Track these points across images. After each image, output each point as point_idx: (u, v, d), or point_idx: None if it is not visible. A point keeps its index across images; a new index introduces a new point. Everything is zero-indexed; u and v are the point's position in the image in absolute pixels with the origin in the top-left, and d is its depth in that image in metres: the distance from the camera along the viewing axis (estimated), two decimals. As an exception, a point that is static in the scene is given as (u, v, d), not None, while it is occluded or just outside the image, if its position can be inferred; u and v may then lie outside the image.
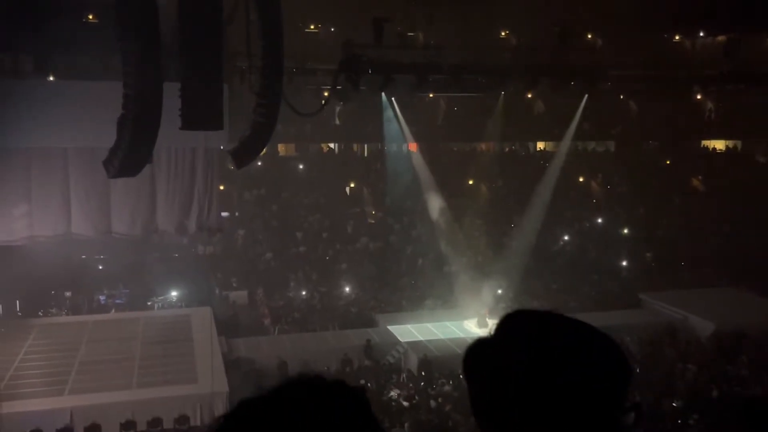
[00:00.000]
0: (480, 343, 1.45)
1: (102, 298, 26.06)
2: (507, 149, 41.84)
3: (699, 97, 37.98)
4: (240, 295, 27.82)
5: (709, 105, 40.62)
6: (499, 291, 26.91)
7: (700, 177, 39.98)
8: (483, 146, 40.01)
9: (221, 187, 28.56)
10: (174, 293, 26.09)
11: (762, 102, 35.46)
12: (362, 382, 20.59)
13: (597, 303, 27.08)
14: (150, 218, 22.32)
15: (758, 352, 22.05)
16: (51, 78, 21.26)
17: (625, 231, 34.78)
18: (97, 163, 14.46)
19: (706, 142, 43.77)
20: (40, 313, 24.61)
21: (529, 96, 37.24)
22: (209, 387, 17.56)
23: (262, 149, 17.24)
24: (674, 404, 18.37)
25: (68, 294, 25.67)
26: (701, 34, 38.00)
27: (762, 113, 37.12)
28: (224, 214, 29.87)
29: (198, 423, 17.33)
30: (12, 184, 19.98)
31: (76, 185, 21.60)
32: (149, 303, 25.82)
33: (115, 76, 12.86)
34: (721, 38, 36.27)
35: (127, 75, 11.97)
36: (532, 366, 1.32)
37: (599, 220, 36.14)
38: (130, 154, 12.61)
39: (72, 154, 21.41)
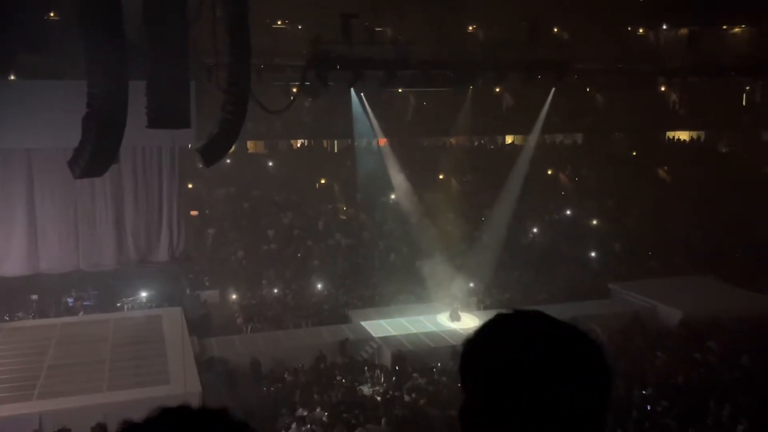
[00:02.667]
0: (474, 346, 1.45)
1: (70, 300, 25.59)
2: (476, 143, 42.09)
3: (663, 89, 38.57)
4: (211, 295, 27.57)
5: (674, 97, 41.28)
6: (471, 284, 27.08)
7: (666, 168, 40.63)
8: (453, 140, 40.19)
9: (190, 186, 28.32)
10: (144, 294, 25.75)
11: (724, 93, 36.17)
12: (338, 377, 20.62)
13: (568, 294, 27.38)
14: (119, 249, 22.19)
15: (726, 338, 22.49)
16: (12, 77, 20.86)
17: (594, 222, 35.21)
18: (61, 164, 14.18)
19: (670, 134, 44.49)
20: (5, 317, 24.12)
21: (498, 90, 37.54)
22: (182, 388, 17.38)
23: (231, 147, 17.09)
24: (644, 392, 18.66)
25: (34, 297, 25.16)
26: (664, 27, 38.59)
27: (724, 105, 37.89)
28: (193, 213, 29.59)
29: (171, 424, 17.13)
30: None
31: (41, 189, 21.31)
32: (119, 304, 25.45)
33: (79, 74, 12.63)
34: (683, 31, 36.86)
35: (92, 74, 11.76)
36: (524, 369, 1.34)
37: (568, 212, 36.54)
38: (96, 154, 12.40)
39: (35, 155, 21.08)
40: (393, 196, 33.56)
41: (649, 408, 17.70)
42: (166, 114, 12.52)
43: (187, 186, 25.75)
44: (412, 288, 27.44)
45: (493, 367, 1.38)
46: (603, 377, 1.38)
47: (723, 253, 30.79)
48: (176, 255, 22.76)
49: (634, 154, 41.76)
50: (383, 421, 17.03)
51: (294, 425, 17.07)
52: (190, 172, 26.04)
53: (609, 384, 1.39)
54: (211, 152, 15.76)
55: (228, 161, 33.21)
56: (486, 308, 26.55)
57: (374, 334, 23.49)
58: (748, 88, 37.93)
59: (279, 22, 35.03)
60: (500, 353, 1.39)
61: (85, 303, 25.63)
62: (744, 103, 40.30)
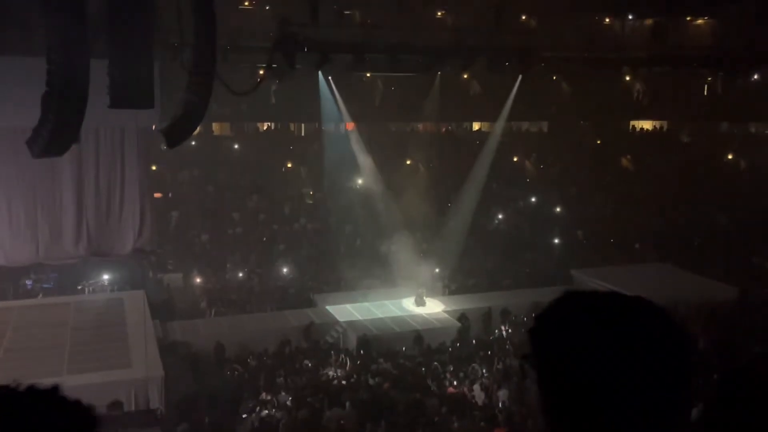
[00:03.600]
0: (546, 330, 1.42)
1: (29, 282, 25.08)
2: (444, 129, 42.18)
3: (628, 78, 39.05)
4: (175, 278, 27.28)
5: (638, 86, 41.83)
6: (437, 270, 27.23)
7: (629, 156, 41.27)
8: (420, 126, 40.22)
9: (153, 168, 27.87)
10: (106, 277, 25.33)
11: (686, 84, 36.80)
12: (302, 361, 20.61)
13: (531, 280, 27.70)
14: (80, 241, 21.53)
15: (684, 324, 22.98)
16: (-32, 54, 20.19)
17: (558, 209, 35.63)
18: (20, 145, 13.77)
19: (634, 123, 45.15)
20: (-39, 300, 23.56)
21: (466, 76, 37.61)
22: (144, 372, 17.20)
23: (195, 128, 16.78)
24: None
25: (-9, 279, 24.63)
26: (630, 17, 38.99)
27: (686, 95, 38.57)
28: (157, 195, 29.17)
29: (132, 408, 16.96)
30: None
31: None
32: (79, 287, 25.01)
33: (39, 50, 12.27)
34: (648, 21, 37.32)
35: (52, 51, 11.44)
36: (617, 354, 1.35)
37: (533, 199, 36.91)
38: (56, 133, 12.10)
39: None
40: (360, 181, 33.49)
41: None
42: (129, 94, 12.25)
43: (150, 168, 25.28)
44: (377, 273, 27.48)
45: (584, 355, 1.36)
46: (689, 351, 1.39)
47: (683, 241, 31.43)
48: (140, 247, 22.19)
49: (599, 142, 42.29)
50: (347, 404, 17.10)
51: (258, 409, 17.04)
52: (153, 153, 25.61)
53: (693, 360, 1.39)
54: (175, 134, 15.49)
55: (193, 143, 32.78)
56: (451, 293, 26.75)
57: (339, 319, 23.51)
58: (709, 79, 38.63)
59: (246, 3, 34.50)
60: (591, 340, 1.36)
61: (44, 285, 25.14)
62: (705, 94, 41.07)
